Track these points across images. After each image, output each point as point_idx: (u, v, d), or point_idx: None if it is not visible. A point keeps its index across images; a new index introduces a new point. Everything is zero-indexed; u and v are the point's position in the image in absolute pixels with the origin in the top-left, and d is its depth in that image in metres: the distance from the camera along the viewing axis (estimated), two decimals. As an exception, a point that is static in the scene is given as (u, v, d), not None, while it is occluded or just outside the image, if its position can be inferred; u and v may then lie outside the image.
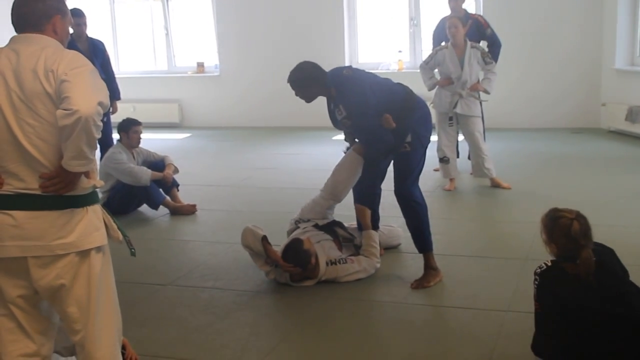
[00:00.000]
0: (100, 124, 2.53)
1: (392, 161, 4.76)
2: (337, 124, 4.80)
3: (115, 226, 2.84)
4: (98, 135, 2.54)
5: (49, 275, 2.64)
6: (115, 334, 2.82)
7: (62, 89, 2.50)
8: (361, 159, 4.90)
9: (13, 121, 2.56)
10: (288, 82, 4.66)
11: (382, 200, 5.13)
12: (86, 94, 2.48)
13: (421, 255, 4.71)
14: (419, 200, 4.71)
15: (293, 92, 4.69)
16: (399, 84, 4.83)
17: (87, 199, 2.70)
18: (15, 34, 2.72)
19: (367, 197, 5.02)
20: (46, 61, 2.56)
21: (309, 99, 4.72)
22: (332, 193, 5.10)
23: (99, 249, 2.72)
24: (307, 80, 4.64)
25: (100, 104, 2.50)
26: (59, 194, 2.62)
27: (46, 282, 2.65)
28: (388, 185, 5.10)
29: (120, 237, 2.85)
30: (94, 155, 2.61)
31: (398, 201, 4.71)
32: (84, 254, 2.68)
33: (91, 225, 2.69)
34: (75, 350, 3.12)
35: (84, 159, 2.55)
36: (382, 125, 4.56)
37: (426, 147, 4.78)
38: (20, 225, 2.61)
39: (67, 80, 2.50)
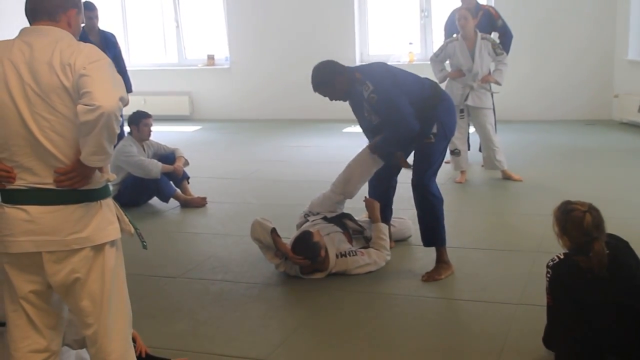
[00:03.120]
0: (121, 119, 2.52)
1: (413, 152, 4.73)
2: (361, 112, 4.71)
3: (126, 219, 2.84)
4: (118, 131, 2.53)
5: (64, 270, 2.63)
6: (127, 327, 2.82)
7: (82, 84, 2.46)
8: (375, 156, 4.89)
9: (28, 115, 2.53)
10: (314, 90, 4.63)
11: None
12: (107, 89, 2.46)
13: (432, 248, 4.69)
14: (436, 193, 4.66)
15: (325, 98, 4.66)
16: (425, 77, 4.82)
17: (101, 193, 2.70)
18: (21, 27, 2.69)
19: (383, 191, 5.03)
20: (62, 54, 2.52)
21: (342, 94, 4.65)
22: (343, 189, 5.06)
23: (112, 242, 2.72)
24: (328, 75, 4.59)
25: (121, 99, 2.48)
26: (74, 188, 2.60)
27: (61, 277, 2.64)
28: (400, 178, 5.09)
29: (132, 230, 2.85)
30: (112, 150, 2.59)
31: (414, 193, 4.67)
32: (99, 248, 2.67)
33: (105, 219, 2.69)
34: (85, 343, 3.13)
35: (104, 154, 2.54)
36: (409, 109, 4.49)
37: (449, 140, 4.77)
38: (34, 220, 2.59)
39: (86, 74, 2.47)
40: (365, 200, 5.05)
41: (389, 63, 10.99)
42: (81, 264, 2.64)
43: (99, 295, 2.68)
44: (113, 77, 2.53)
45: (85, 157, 2.52)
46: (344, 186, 5.05)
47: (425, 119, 4.57)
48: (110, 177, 2.73)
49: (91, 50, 2.58)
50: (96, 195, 2.67)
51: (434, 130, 4.58)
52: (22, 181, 2.60)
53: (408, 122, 4.49)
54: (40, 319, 2.73)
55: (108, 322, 2.72)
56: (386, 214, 5.07)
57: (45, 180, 2.59)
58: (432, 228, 4.66)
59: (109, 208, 2.72)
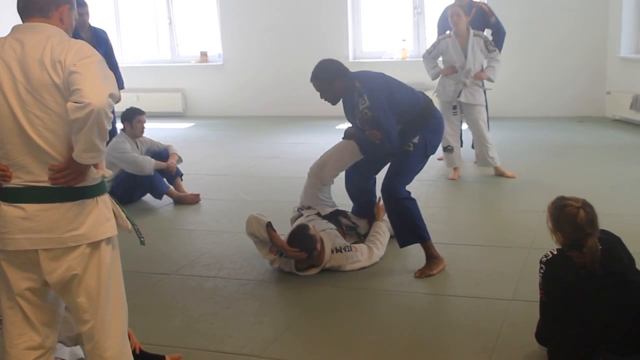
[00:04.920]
0: (111, 115, 2.51)
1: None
2: (353, 119, 4.76)
3: (124, 215, 2.83)
4: (109, 127, 2.52)
5: (60, 267, 2.62)
6: (123, 324, 2.82)
7: (72, 81, 2.45)
8: (353, 144, 4.93)
9: (20, 113, 2.52)
10: (311, 80, 4.63)
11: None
12: (97, 86, 2.44)
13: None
14: (406, 195, 4.64)
15: (318, 94, 4.67)
16: (420, 91, 4.86)
17: (97, 190, 2.68)
18: (13, 24, 2.68)
19: (360, 188, 5.18)
20: (53, 51, 2.51)
21: (334, 97, 4.67)
22: (317, 172, 5.12)
23: (108, 239, 2.71)
24: (330, 73, 4.60)
25: (111, 95, 2.47)
26: (69, 185, 2.59)
27: (58, 275, 2.63)
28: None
29: (130, 226, 2.84)
30: (105, 147, 2.58)
31: (383, 196, 4.66)
32: (95, 245, 2.66)
33: (102, 216, 2.68)
34: (79, 340, 3.13)
35: (96, 151, 2.53)
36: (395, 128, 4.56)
37: (428, 157, 4.79)
38: (30, 217, 2.58)
39: (76, 71, 2.46)
40: (377, 204, 5.12)
41: (381, 59, 11.07)
42: (78, 261, 2.63)
43: (96, 291, 2.68)
44: (103, 74, 2.52)
45: (77, 154, 2.51)
46: (319, 170, 5.12)
47: (410, 129, 4.62)
48: (105, 173, 2.71)
49: (82, 47, 2.56)
50: (92, 192, 2.66)
51: (415, 140, 4.63)
52: (18, 179, 2.59)
53: (392, 143, 4.54)
54: (36, 315, 2.73)
55: (105, 318, 2.71)
56: (367, 210, 5.13)
57: (40, 178, 2.58)
58: (408, 228, 4.64)
59: (105, 204, 2.71)
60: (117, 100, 2.54)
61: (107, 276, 2.70)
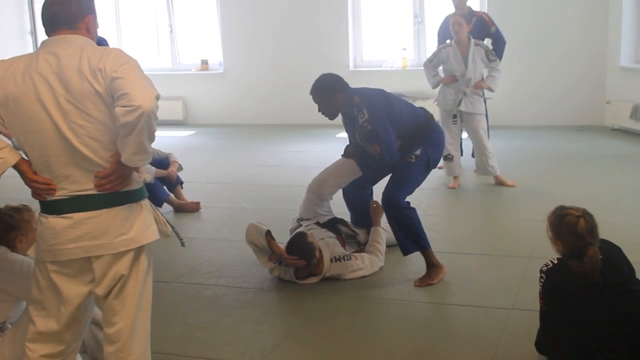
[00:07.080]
0: (158, 117, 2.54)
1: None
2: (353, 135, 4.78)
3: (163, 220, 2.87)
4: (156, 129, 2.55)
5: (111, 272, 2.66)
6: (148, 329, 2.85)
7: (116, 87, 2.48)
8: (352, 162, 4.96)
9: (63, 125, 2.55)
10: (311, 93, 4.64)
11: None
12: (143, 89, 2.48)
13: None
14: (406, 205, 4.64)
15: (317, 107, 4.67)
16: (421, 107, 4.90)
17: (139, 194, 2.73)
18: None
19: (356, 197, 5.19)
20: (90, 60, 2.53)
21: (332, 111, 4.67)
22: (317, 189, 5.16)
23: (146, 245, 2.75)
24: (330, 87, 4.61)
25: (157, 97, 2.51)
26: (115, 190, 2.62)
27: (108, 280, 2.66)
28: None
29: (169, 230, 2.88)
30: (151, 148, 2.61)
31: (384, 206, 4.66)
32: (139, 249, 2.70)
33: (147, 219, 2.72)
34: (81, 348, 3.13)
35: (145, 153, 2.57)
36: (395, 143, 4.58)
37: (430, 170, 4.81)
38: (79, 226, 2.61)
39: (119, 77, 2.48)
40: (373, 202, 5.09)
41: (381, 68, 11.08)
42: (126, 266, 2.67)
43: (132, 295, 2.72)
44: (145, 77, 2.56)
45: (127, 158, 2.54)
46: (318, 187, 5.15)
47: (411, 143, 4.65)
48: (146, 178, 2.76)
49: (118, 54, 2.60)
50: (136, 196, 2.70)
51: (417, 152, 4.66)
52: (63, 191, 2.62)
53: (392, 156, 4.58)
54: (69, 326, 2.74)
55: (134, 322, 2.74)
56: (366, 219, 5.11)
57: (85, 186, 2.61)
58: (410, 237, 4.64)
59: (147, 209, 2.76)
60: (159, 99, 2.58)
61: (143, 281, 2.74)
